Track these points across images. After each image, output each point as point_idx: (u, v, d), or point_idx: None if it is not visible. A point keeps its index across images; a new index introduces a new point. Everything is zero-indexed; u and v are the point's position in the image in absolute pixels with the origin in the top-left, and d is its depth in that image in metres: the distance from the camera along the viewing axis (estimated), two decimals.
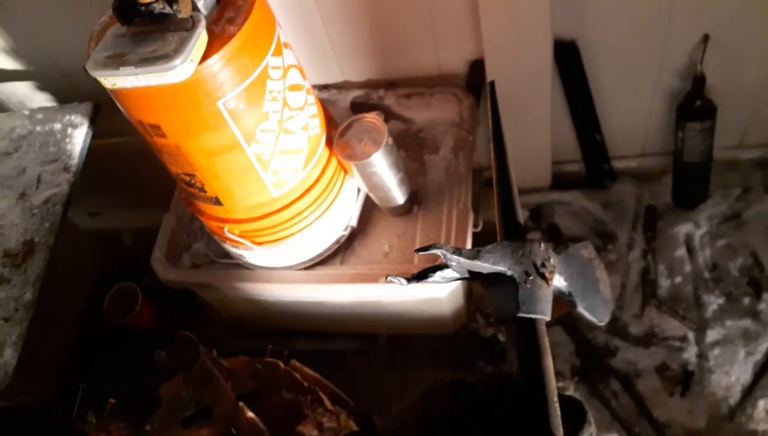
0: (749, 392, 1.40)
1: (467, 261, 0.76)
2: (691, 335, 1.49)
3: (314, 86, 1.63)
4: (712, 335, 1.48)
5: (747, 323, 1.48)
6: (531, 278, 0.75)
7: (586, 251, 0.94)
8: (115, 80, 0.89)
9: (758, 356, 1.44)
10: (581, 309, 0.91)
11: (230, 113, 1.03)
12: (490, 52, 1.41)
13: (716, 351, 1.46)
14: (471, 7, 1.33)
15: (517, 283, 0.78)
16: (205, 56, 0.94)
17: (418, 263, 1.34)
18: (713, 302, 1.52)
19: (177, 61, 0.88)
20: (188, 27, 0.92)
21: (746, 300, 1.51)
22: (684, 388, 1.44)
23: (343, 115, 1.54)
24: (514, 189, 0.85)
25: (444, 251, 0.73)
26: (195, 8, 0.94)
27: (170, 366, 1.11)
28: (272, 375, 1.21)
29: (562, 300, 0.92)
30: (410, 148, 1.52)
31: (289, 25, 1.45)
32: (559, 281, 0.86)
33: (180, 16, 0.92)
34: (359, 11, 1.43)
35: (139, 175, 1.58)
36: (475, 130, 1.50)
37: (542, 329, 0.76)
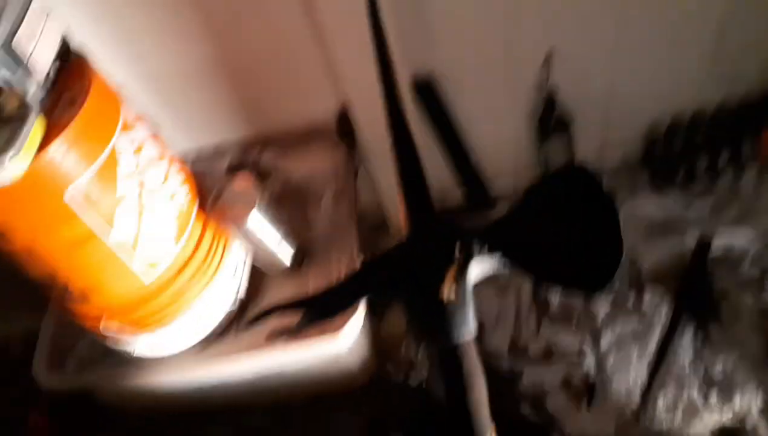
0: (647, 394, 1.46)
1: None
2: (586, 346, 1.54)
3: (186, 155, 1.59)
4: (605, 342, 1.53)
5: (634, 323, 1.55)
6: (429, 296, 0.68)
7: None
8: None
9: (650, 356, 1.50)
10: None
11: (79, 204, 0.97)
12: (353, 101, 1.43)
13: (611, 358, 1.51)
14: (327, 62, 1.35)
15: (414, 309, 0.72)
16: (43, 146, 0.88)
17: None
18: (601, 310, 1.58)
19: (5, 159, 0.81)
20: (18, 120, 0.86)
21: (630, 301, 1.58)
22: (589, 399, 1.48)
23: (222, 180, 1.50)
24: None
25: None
26: (22, 103, 0.88)
27: None
28: None
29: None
30: (292, 204, 1.50)
31: (160, 91, 1.43)
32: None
33: (7, 109, 0.86)
34: (223, 74, 1.42)
35: (19, 277, 1.46)
36: (354, 178, 1.50)
37: (466, 353, 0.69)
